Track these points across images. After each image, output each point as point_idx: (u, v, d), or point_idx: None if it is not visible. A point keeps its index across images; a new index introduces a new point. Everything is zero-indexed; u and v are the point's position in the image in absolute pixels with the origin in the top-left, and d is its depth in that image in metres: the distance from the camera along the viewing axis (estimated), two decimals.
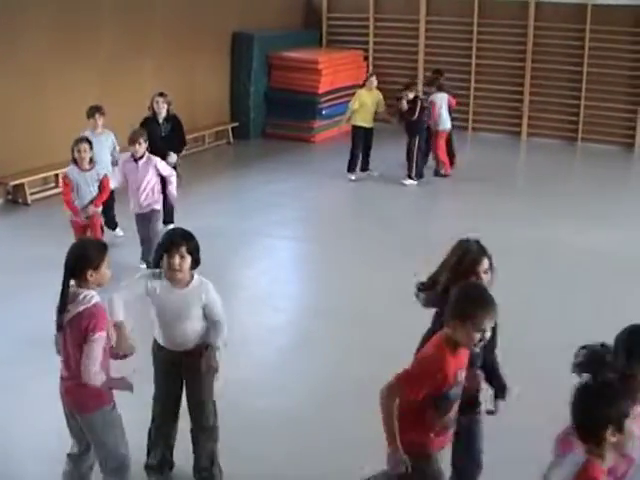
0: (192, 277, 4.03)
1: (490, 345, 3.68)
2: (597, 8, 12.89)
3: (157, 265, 4.04)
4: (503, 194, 10.42)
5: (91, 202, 7.02)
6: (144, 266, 7.08)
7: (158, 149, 7.81)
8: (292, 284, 7.74)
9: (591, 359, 2.89)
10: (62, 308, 3.63)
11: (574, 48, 13.24)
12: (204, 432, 4.27)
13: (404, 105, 10.42)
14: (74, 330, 3.60)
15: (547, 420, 3.42)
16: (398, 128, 10.97)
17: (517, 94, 13.84)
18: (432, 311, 3.92)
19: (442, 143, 11.03)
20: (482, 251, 3.80)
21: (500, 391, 3.94)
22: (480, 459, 4.00)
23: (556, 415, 2.99)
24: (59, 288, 3.64)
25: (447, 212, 9.83)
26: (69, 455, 3.94)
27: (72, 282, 3.66)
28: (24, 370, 5.47)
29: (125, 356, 3.87)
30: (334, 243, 8.62)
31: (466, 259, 3.76)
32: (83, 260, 3.65)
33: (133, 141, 7.19)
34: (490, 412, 3.94)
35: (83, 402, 3.71)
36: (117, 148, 8.30)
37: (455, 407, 3.49)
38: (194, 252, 3.97)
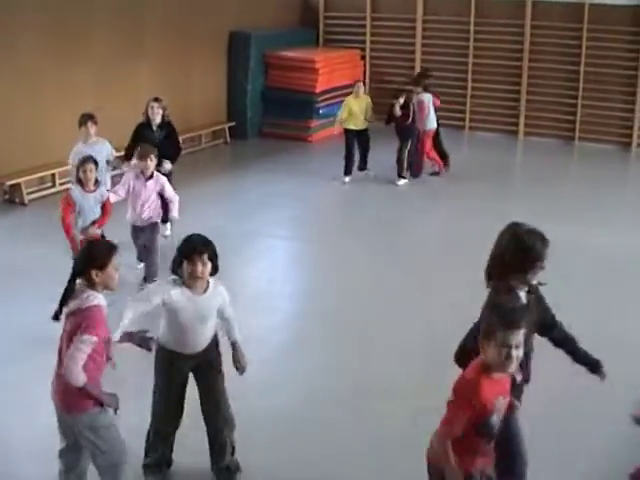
0: (208, 281, 4.03)
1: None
2: (594, 7, 12.90)
3: (175, 272, 3.99)
4: (500, 194, 10.42)
5: (93, 223, 6.55)
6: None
7: None
8: (290, 284, 7.74)
9: None
10: (63, 302, 3.63)
11: (571, 47, 13.25)
12: (227, 424, 4.29)
13: (397, 111, 10.45)
14: (69, 326, 3.60)
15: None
16: (390, 130, 10.91)
17: (514, 93, 13.86)
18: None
19: (430, 142, 11.07)
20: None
21: (594, 367, 3.91)
22: (524, 452, 3.88)
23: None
24: (59, 288, 3.64)
25: (444, 212, 9.82)
26: (60, 451, 3.90)
27: (79, 281, 3.64)
28: (22, 369, 5.46)
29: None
30: (331, 243, 8.62)
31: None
32: (87, 258, 3.65)
33: (144, 157, 6.82)
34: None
35: (72, 402, 3.66)
36: (113, 153, 7.96)
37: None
38: (214, 258, 3.95)
